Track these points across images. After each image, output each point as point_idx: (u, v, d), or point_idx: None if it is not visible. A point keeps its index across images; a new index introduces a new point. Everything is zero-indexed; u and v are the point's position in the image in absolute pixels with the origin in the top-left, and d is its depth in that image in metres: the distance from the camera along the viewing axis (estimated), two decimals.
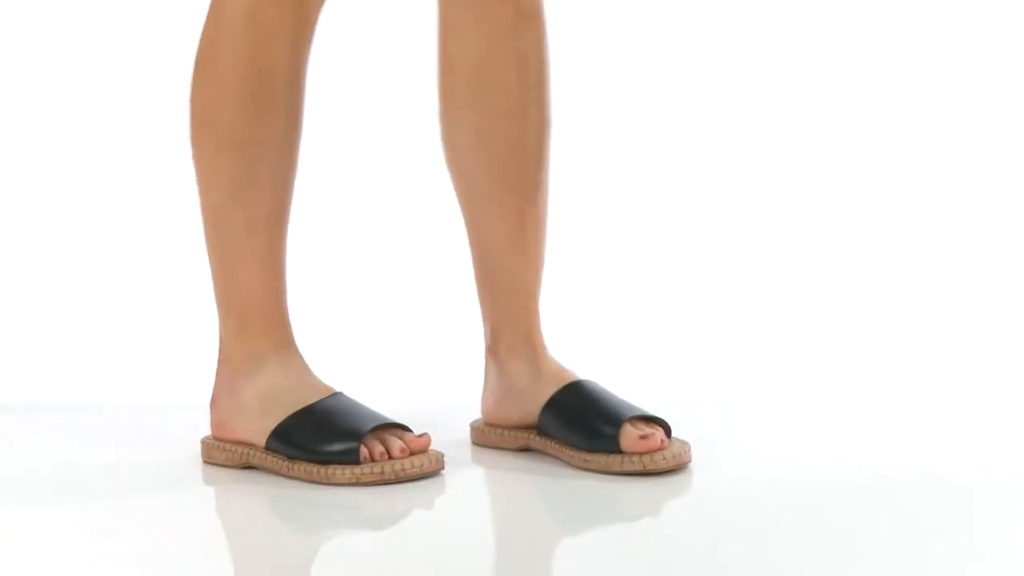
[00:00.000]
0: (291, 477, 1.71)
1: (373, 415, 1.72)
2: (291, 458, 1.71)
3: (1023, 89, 3.20)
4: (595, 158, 3.21)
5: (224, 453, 1.78)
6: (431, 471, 1.70)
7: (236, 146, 1.72)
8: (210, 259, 1.77)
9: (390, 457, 1.68)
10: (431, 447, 1.72)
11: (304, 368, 1.77)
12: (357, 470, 1.68)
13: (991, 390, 2.12)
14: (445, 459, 1.72)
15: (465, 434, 1.86)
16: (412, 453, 1.69)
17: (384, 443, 1.69)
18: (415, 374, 2.30)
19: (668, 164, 3.24)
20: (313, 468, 1.69)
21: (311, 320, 1.97)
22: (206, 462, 1.80)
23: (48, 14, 3.22)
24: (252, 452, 1.75)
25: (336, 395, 1.75)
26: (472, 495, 1.71)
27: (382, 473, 1.68)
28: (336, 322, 2.61)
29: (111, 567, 1.46)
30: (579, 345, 2.08)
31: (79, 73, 3.21)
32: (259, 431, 1.74)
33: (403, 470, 1.68)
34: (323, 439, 1.70)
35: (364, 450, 1.68)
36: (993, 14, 3.22)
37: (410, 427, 1.73)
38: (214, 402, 1.80)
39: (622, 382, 1.87)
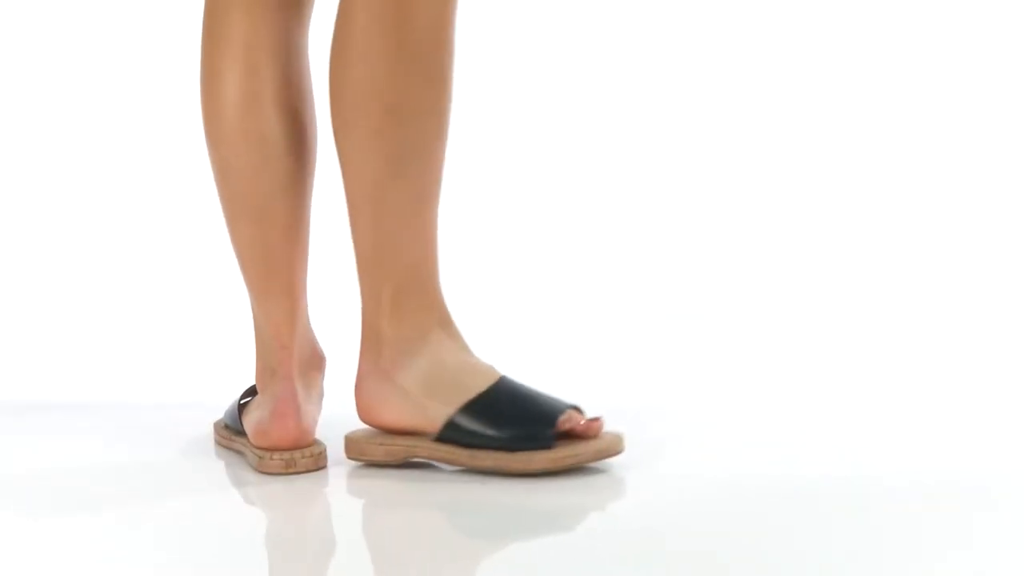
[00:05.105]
0: (473, 467, 1.68)
1: (552, 398, 1.70)
2: (472, 447, 1.67)
3: (1022, 89, 3.20)
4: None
5: (382, 448, 1.72)
6: (618, 451, 1.68)
7: (395, 120, 1.67)
8: (361, 238, 1.71)
9: (576, 431, 1.67)
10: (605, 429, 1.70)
11: (464, 347, 1.73)
12: (553, 454, 1.65)
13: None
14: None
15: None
16: (591, 434, 1.68)
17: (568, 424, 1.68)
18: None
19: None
20: (503, 456, 1.66)
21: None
22: (353, 459, 1.75)
23: (51, 15, 3.22)
24: (418, 444, 1.71)
25: (503, 378, 1.71)
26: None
27: (578, 456, 1.66)
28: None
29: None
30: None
31: (81, 74, 3.21)
32: (426, 419, 1.69)
33: (597, 451, 1.66)
34: (512, 425, 1.67)
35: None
36: (993, 14, 3.22)
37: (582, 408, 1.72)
38: (360, 387, 1.74)
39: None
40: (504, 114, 3.22)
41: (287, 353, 1.78)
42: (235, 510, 1.68)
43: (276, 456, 1.74)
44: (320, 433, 1.82)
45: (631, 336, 2.59)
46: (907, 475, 1.68)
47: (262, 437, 1.76)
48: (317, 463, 1.75)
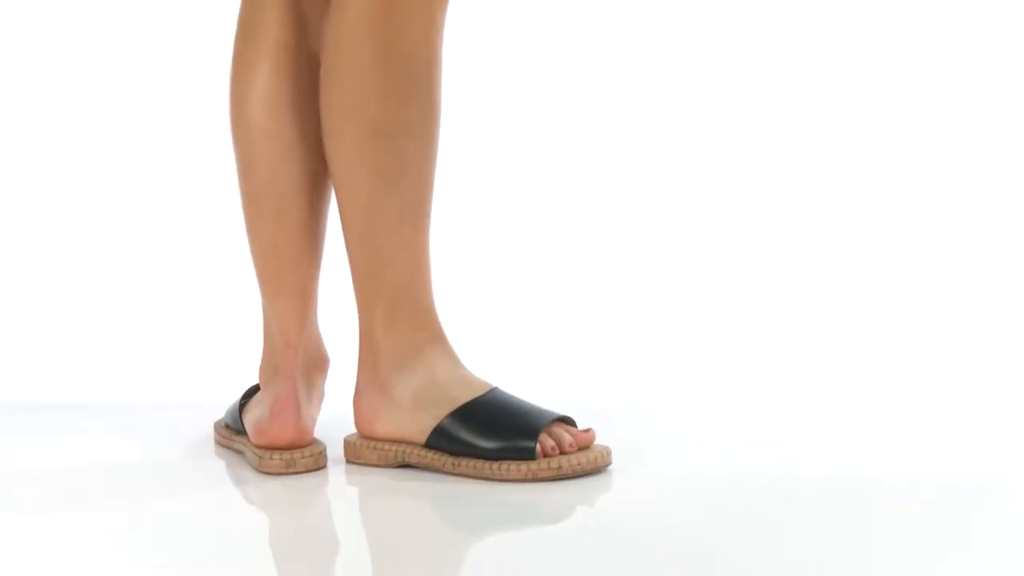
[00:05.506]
0: (456, 474, 1.69)
1: (541, 410, 1.70)
2: (457, 455, 1.69)
3: (1023, 89, 3.20)
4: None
5: (375, 452, 1.74)
6: (603, 466, 1.69)
7: (384, 136, 1.68)
8: (354, 253, 1.73)
9: (561, 452, 1.67)
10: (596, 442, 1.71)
11: (458, 362, 1.74)
12: (534, 466, 1.66)
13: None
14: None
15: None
16: (580, 448, 1.68)
17: (554, 437, 1.68)
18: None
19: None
20: (483, 464, 1.68)
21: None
22: (351, 462, 1.77)
23: (52, 15, 3.22)
24: (409, 450, 1.72)
25: (495, 390, 1.72)
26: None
27: (559, 469, 1.66)
28: None
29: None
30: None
31: (82, 73, 3.21)
32: (416, 429, 1.71)
33: (579, 465, 1.67)
34: (495, 435, 1.68)
35: (539, 446, 1.67)
36: (993, 14, 3.22)
37: (575, 420, 1.72)
38: (358, 397, 1.76)
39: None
40: (488, 129, 3.22)
41: (292, 352, 1.79)
42: (235, 510, 1.68)
43: (276, 456, 1.74)
44: (322, 434, 1.82)
45: (628, 336, 2.59)
46: (907, 475, 1.68)
47: (260, 435, 1.77)
48: (317, 463, 1.75)
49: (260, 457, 1.75)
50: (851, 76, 3.24)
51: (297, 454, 1.74)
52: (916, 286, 2.79)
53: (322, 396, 1.86)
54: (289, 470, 1.74)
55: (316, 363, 1.84)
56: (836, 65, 3.24)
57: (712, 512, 1.56)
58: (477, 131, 3.12)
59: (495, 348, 2.31)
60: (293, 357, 1.79)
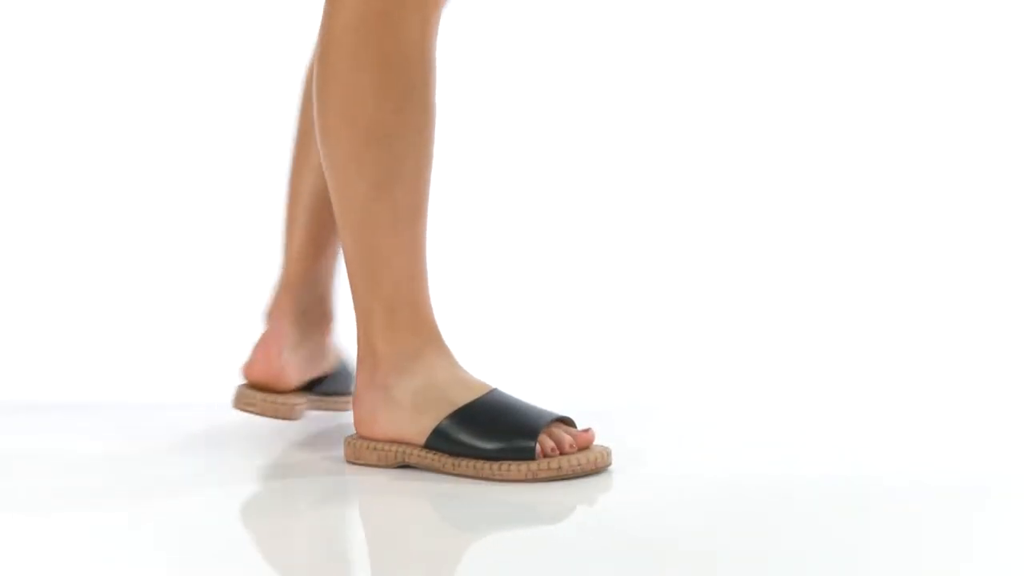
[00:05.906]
0: (455, 474, 1.69)
1: (540, 411, 1.70)
2: (456, 455, 1.69)
3: (1022, 89, 3.20)
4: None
5: (375, 453, 1.74)
6: (603, 466, 1.69)
7: (380, 138, 1.68)
8: (350, 255, 1.72)
9: (561, 453, 1.67)
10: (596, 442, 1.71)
11: (456, 364, 1.74)
12: (534, 466, 1.66)
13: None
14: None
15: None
16: (579, 448, 1.69)
17: (553, 438, 1.68)
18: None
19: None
20: (483, 465, 1.68)
21: None
22: (351, 462, 1.76)
23: (51, 14, 3.22)
24: (408, 451, 1.72)
25: (494, 391, 1.72)
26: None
27: (559, 469, 1.67)
28: None
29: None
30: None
31: (82, 73, 3.22)
32: (416, 430, 1.71)
33: (579, 465, 1.67)
34: (495, 436, 1.68)
35: (539, 446, 1.67)
36: (993, 14, 3.22)
37: (574, 420, 1.72)
38: (358, 400, 1.75)
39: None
40: (485, 130, 3.22)
41: (286, 291, 1.86)
42: (235, 510, 1.68)
43: (245, 392, 1.78)
44: (321, 434, 1.82)
45: (628, 336, 2.59)
46: (907, 475, 1.68)
47: (243, 367, 1.83)
48: (276, 411, 1.76)
49: (236, 393, 1.79)
50: (850, 77, 3.24)
51: (259, 396, 1.75)
52: (916, 286, 2.79)
53: (324, 357, 1.87)
54: (247, 408, 1.77)
55: (315, 316, 1.86)
56: (836, 66, 3.25)
57: (712, 512, 1.56)
58: (473, 133, 3.12)
59: (495, 348, 2.31)
60: (285, 296, 1.84)
